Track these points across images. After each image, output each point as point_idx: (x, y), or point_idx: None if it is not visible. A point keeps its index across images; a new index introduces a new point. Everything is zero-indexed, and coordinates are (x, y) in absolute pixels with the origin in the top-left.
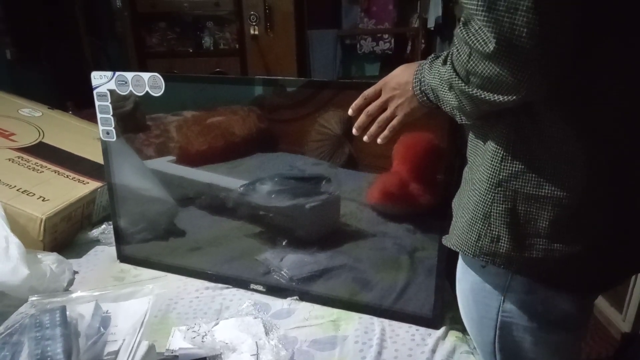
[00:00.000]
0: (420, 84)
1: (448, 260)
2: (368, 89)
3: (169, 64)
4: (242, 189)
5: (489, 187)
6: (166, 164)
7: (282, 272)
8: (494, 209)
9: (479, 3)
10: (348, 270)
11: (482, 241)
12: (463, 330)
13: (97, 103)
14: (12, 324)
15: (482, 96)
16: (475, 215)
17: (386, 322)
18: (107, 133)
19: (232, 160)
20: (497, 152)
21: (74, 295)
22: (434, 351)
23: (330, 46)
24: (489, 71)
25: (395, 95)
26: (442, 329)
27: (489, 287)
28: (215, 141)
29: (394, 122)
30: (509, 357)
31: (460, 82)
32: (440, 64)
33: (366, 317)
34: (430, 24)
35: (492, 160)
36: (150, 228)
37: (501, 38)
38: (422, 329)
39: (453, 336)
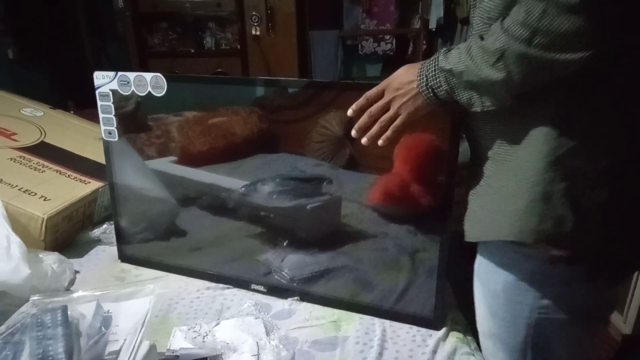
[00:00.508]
0: (426, 79)
1: (449, 261)
2: (370, 90)
3: (170, 64)
4: (243, 189)
5: (545, 167)
6: (167, 164)
7: (283, 273)
8: (555, 187)
9: None
10: (349, 271)
11: (544, 224)
12: (464, 332)
13: (99, 103)
14: (14, 323)
15: (548, 57)
16: (534, 198)
17: (387, 323)
18: (109, 133)
19: (233, 161)
20: (551, 131)
21: (75, 294)
22: (434, 352)
23: (332, 47)
24: (566, 25)
25: (399, 94)
26: (443, 330)
27: (525, 285)
28: (216, 142)
29: (397, 121)
30: (540, 353)
31: (520, 44)
32: (476, 41)
33: (367, 318)
34: (432, 25)
35: (545, 140)
36: (151, 228)
37: None
38: (423, 330)
39: (454, 337)
